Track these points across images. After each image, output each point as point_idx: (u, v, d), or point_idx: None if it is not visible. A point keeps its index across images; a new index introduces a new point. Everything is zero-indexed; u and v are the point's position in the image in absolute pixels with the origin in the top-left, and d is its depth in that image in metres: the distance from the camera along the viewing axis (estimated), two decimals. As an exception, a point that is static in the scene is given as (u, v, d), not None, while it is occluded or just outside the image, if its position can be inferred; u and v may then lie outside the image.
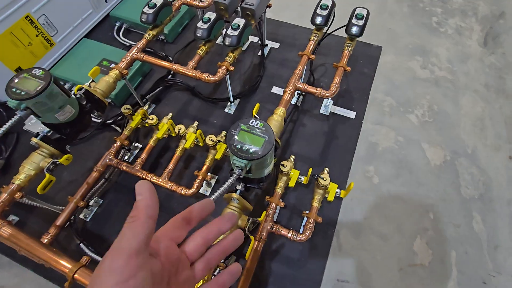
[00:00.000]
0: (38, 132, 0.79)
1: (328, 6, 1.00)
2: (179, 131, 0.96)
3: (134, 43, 1.38)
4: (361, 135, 1.17)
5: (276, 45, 1.40)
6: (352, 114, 1.20)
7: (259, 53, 1.36)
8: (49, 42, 1.27)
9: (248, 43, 1.41)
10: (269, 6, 1.15)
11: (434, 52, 1.38)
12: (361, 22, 0.96)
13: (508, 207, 1.03)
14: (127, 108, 1.00)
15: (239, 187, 0.72)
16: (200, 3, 1.16)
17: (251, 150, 0.61)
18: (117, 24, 1.44)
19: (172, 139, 1.13)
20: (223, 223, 0.28)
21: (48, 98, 0.71)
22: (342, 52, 1.02)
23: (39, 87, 0.69)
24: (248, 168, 0.64)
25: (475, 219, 1.01)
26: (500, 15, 1.51)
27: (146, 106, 1.17)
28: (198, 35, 0.97)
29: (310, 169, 0.88)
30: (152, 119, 0.98)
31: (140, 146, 1.13)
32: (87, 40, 1.34)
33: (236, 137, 0.63)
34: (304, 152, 1.12)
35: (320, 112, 1.20)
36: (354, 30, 0.96)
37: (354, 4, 1.66)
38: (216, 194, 0.64)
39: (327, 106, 1.21)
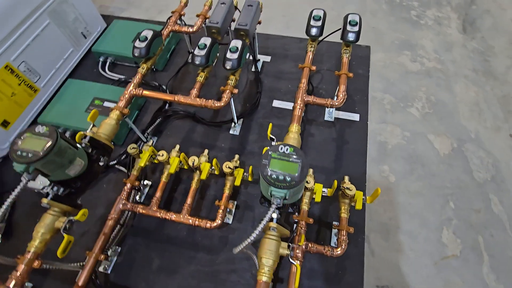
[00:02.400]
0: (47, 192, 0.74)
1: (321, 16, 1.00)
2: (193, 163, 0.92)
3: (122, 77, 1.34)
4: (368, 136, 1.17)
5: (268, 58, 1.39)
6: (356, 117, 1.20)
7: (253, 69, 1.35)
8: (33, 88, 1.20)
9: (239, 60, 1.39)
10: (259, 23, 1.14)
11: (419, 44, 1.42)
12: (356, 28, 0.98)
13: (521, 184, 1.06)
14: (133, 148, 0.96)
15: (274, 215, 0.69)
16: (189, 29, 1.14)
17: (288, 178, 0.59)
18: (101, 59, 1.38)
19: (182, 170, 1.09)
20: None
21: (57, 155, 0.66)
22: (340, 59, 1.02)
23: (47, 145, 0.64)
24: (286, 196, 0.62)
25: (493, 201, 1.04)
26: (472, 1, 1.58)
27: (150, 142, 1.12)
28: (197, 63, 0.94)
29: (335, 182, 0.87)
30: (162, 155, 0.93)
31: (150, 183, 1.08)
32: (73, 81, 1.27)
33: (268, 168, 0.61)
34: (318, 161, 1.11)
35: (325, 119, 1.20)
36: (351, 36, 0.97)
37: (334, 7, 1.70)
38: (256, 231, 0.61)
39: (331, 113, 1.21)
